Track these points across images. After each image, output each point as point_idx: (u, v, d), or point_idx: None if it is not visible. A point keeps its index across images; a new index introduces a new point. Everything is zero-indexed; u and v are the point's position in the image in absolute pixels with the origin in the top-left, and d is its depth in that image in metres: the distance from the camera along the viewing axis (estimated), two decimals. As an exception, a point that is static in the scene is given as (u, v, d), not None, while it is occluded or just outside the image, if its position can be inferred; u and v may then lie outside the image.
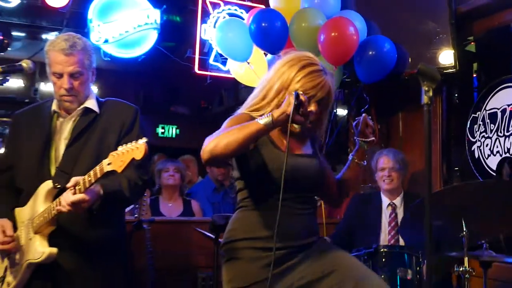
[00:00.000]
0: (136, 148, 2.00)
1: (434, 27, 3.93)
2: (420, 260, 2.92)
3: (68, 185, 2.13)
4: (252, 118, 2.01)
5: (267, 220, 2.03)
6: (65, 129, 2.39)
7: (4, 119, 10.99)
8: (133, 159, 2.00)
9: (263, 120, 1.89)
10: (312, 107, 2.04)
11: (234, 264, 2.07)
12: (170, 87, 8.87)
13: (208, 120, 9.94)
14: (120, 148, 2.04)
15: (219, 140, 1.92)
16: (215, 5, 5.10)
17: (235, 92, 8.36)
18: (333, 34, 3.65)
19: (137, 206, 3.53)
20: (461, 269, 2.69)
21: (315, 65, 2.09)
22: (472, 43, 4.20)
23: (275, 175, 2.03)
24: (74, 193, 2.11)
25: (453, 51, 3.82)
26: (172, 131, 9.93)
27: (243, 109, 2.19)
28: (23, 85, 8.50)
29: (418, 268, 2.92)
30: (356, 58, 3.83)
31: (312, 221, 2.20)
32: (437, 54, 3.92)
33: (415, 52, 3.95)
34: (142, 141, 2.01)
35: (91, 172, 2.09)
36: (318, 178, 2.20)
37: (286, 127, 1.94)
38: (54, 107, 2.41)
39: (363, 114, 2.26)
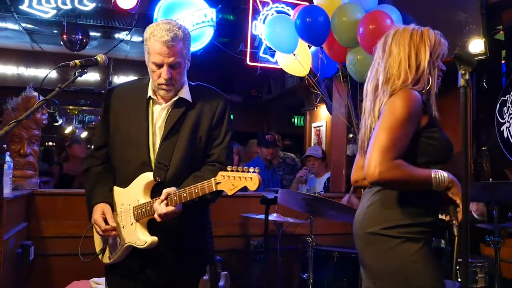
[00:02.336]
0: (250, 179, 1.88)
1: (465, 17, 3.77)
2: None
3: (161, 197, 2.04)
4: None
5: (431, 205, 1.94)
6: (159, 117, 2.22)
7: (84, 107, 11.33)
8: (245, 187, 1.89)
9: (437, 183, 1.84)
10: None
11: (412, 247, 1.89)
12: (225, 77, 8.89)
13: (258, 107, 9.97)
14: (230, 170, 1.91)
15: (388, 176, 1.81)
16: (264, 4, 5.05)
17: (282, 81, 8.30)
18: (371, 26, 3.54)
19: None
20: (492, 239, 2.60)
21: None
22: (501, 31, 4.01)
23: (445, 156, 1.96)
24: (167, 205, 2.04)
25: (483, 40, 3.66)
26: (226, 117, 9.95)
27: (398, 84, 1.97)
28: (99, 78, 8.72)
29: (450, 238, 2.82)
30: (392, 48, 3.70)
31: None
32: (467, 43, 3.76)
33: (447, 41, 3.78)
34: (256, 171, 1.89)
35: (199, 185, 1.97)
36: None
37: None
38: (150, 93, 2.23)
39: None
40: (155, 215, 2.06)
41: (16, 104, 3.53)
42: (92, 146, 2.40)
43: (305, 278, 3.29)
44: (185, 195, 2.01)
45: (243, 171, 1.90)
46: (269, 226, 3.43)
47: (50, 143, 11.20)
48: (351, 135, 4.77)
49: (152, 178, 2.14)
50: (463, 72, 1.44)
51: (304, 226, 3.51)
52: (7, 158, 3.03)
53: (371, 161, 1.81)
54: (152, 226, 2.16)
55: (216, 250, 3.45)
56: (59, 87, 2.14)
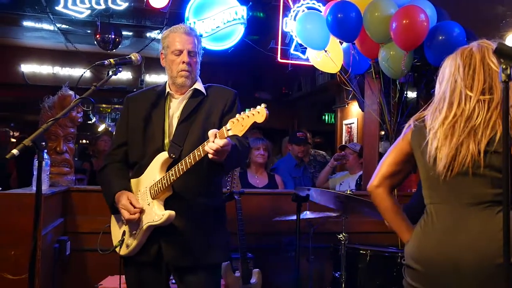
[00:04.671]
0: (257, 113, 1.94)
1: (503, 10, 3.67)
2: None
3: (210, 138, 2.06)
4: None
5: None
6: (177, 108, 2.40)
7: (117, 106, 11.52)
8: (254, 122, 1.96)
9: None
10: None
11: None
12: (255, 75, 8.90)
13: (288, 104, 9.94)
14: (238, 116, 2.00)
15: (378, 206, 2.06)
16: (295, 0, 5.03)
17: (312, 79, 8.25)
18: (404, 21, 3.50)
19: (228, 179, 3.55)
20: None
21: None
22: (541, 24, 3.88)
23: None
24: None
25: (522, 33, 3.55)
26: (256, 114, 9.98)
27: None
28: (131, 77, 8.85)
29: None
30: (426, 43, 3.64)
31: None
32: (505, 36, 3.66)
33: (484, 36, 3.68)
34: (262, 106, 1.95)
35: (211, 137, 2.07)
36: None
37: None
38: (167, 89, 2.44)
39: None
40: (209, 155, 2.06)
41: (53, 103, 3.61)
42: (111, 146, 2.53)
43: (337, 277, 3.27)
44: (198, 153, 2.10)
45: (250, 111, 1.97)
46: (300, 223, 3.41)
47: (84, 141, 11.44)
48: (382, 132, 4.71)
49: (167, 156, 2.26)
50: (504, 66, 1.39)
51: (336, 224, 3.47)
52: (45, 156, 3.11)
53: None
54: (169, 205, 2.24)
55: (247, 247, 3.45)
56: (94, 85, 2.20)
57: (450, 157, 1.78)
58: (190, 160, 2.13)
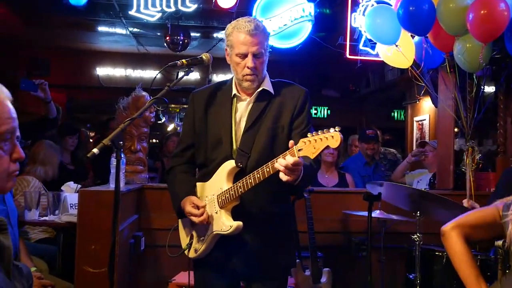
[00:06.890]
0: (331, 137, 1.85)
1: None
2: None
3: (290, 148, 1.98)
4: None
5: None
6: (244, 111, 2.30)
7: (185, 106, 11.82)
8: (327, 146, 1.88)
9: None
10: None
11: None
12: (322, 72, 8.82)
13: (356, 101, 9.77)
14: (310, 136, 1.90)
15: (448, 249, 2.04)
16: (364, -5, 4.92)
17: (381, 75, 8.06)
18: (482, 12, 3.31)
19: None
20: None
21: None
22: None
23: None
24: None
25: None
26: (323, 112, 9.94)
27: None
28: (199, 77, 9.05)
29: None
30: (506, 34, 3.44)
31: None
32: None
33: None
34: (337, 130, 1.85)
35: (281, 156, 1.98)
36: None
37: None
38: (234, 91, 2.32)
39: None
40: (281, 174, 1.98)
41: (127, 104, 3.77)
42: (179, 146, 2.47)
43: (411, 278, 3.17)
44: (268, 169, 2.03)
45: (323, 132, 1.88)
46: (372, 223, 3.34)
47: (154, 140, 11.83)
48: (456, 129, 4.52)
49: (234, 165, 2.20)
50: None
51: (409, 224, 3.37)
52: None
53: None
54: (236, 214, 2.20)
55: (317, 246, 3.42)
56: (168, 85, 2.24)
57: None
58: (258, 176, 2.06)
